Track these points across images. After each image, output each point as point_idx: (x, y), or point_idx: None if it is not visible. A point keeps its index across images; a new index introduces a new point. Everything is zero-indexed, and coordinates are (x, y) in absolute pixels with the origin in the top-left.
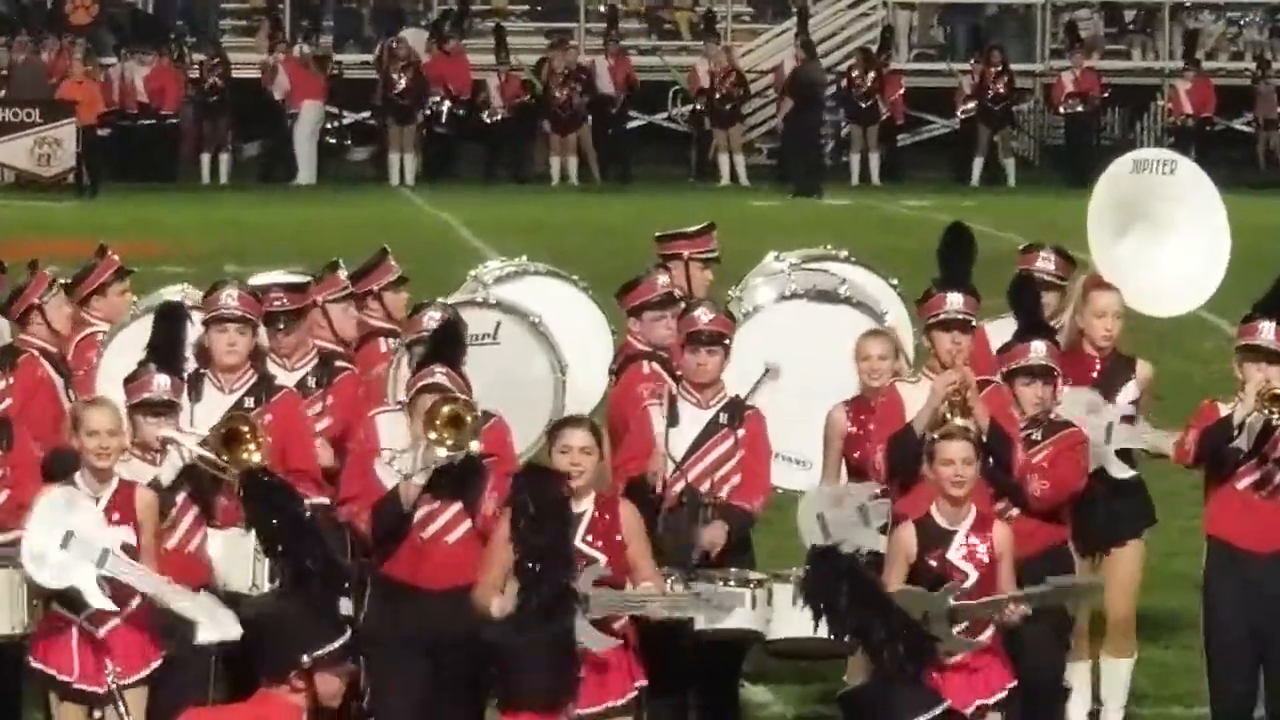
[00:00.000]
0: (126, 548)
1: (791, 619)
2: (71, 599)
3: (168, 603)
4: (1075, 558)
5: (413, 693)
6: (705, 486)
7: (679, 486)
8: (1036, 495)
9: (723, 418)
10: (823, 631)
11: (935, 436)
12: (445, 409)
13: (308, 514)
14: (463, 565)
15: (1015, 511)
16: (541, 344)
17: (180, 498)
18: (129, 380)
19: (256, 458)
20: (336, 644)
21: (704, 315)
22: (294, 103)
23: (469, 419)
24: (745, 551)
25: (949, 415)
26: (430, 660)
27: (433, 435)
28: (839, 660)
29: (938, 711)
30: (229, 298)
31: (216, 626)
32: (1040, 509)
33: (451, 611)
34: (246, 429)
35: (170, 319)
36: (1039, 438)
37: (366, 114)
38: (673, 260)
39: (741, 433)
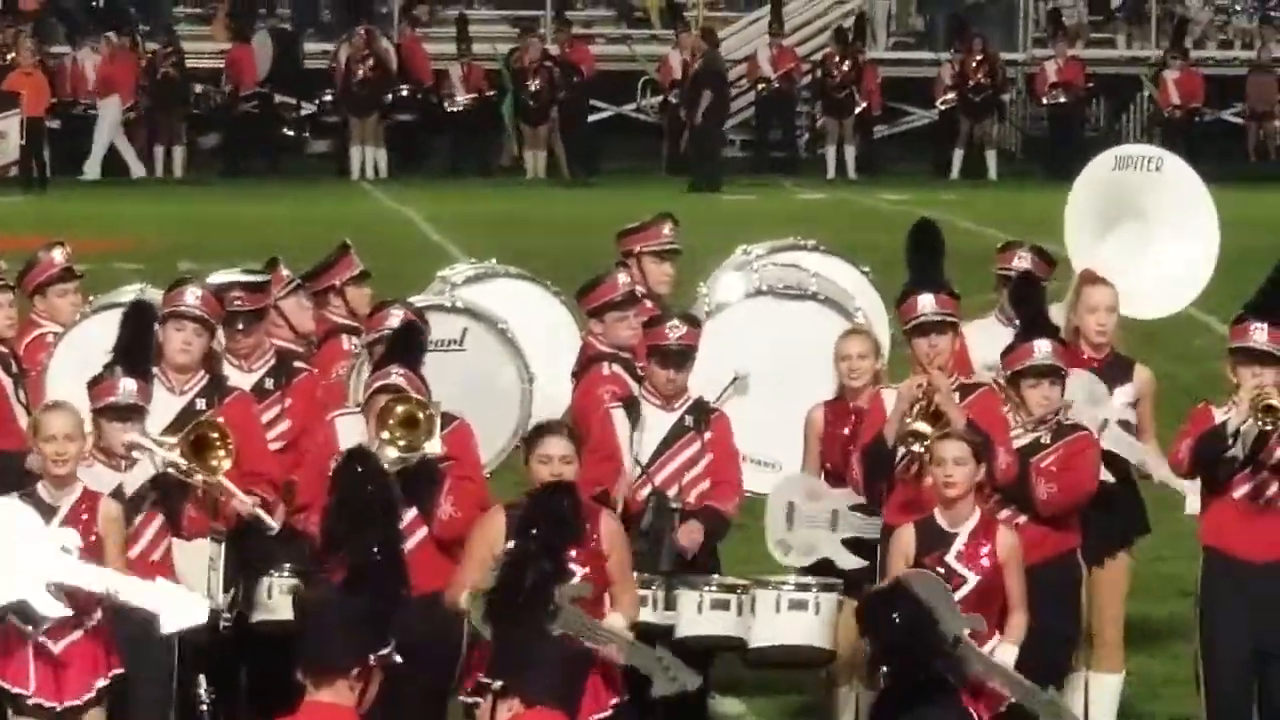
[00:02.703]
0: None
1: (773, 627)
2: (25, 613)
3: (123, 597)
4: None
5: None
6: (673, 490)
7: (645, 491)
8: (1044, 499)
9: (689, 420)
10: (799, 639)
11: (932, 439)
12: (399, 408)
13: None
14: (421, 572)
15: (1024, 519)
16: (509, 352)
17: (146, 505)
18: (94, 383)
19: (226, 464)
20: (390, 647)
21: (674, 330)
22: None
23: (423, 419)
24: (711, 557)
25: (910, 421)
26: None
27: (385, 435)
28: (813, 671)
29: None
30: (192, 295)
31: (180, 613)
32: (1048, 514)
33: (410, 620)
34: (216, 435)
35: (139, 319)
36: (1047, 440)
37: (326, 104)
38: (629, 257)
39: (708, 435)
